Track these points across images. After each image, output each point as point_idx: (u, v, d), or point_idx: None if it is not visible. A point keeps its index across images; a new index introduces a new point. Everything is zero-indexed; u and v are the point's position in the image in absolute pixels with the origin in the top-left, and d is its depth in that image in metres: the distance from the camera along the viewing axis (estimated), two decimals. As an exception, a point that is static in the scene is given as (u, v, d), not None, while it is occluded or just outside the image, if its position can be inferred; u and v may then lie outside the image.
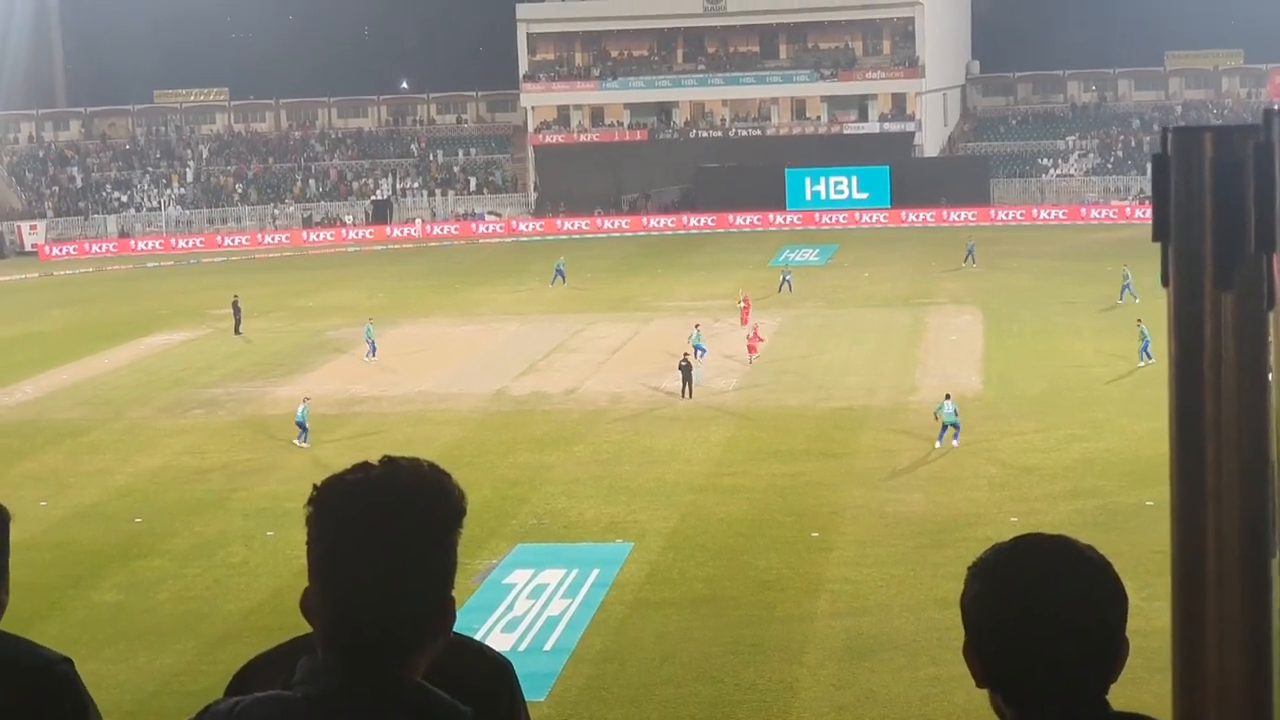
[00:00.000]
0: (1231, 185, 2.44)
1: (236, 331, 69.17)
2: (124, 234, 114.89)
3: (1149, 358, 54.87)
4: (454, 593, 3.07)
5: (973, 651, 3.00)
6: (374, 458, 3.07)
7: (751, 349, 59.64)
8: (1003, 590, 2.94)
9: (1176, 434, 2.58)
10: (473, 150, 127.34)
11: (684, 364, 54.08)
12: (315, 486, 3.01)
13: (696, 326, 61.72)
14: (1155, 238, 2.57)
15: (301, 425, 47.90)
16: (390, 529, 2.96)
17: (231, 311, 70.38)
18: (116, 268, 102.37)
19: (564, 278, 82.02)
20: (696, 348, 59.12)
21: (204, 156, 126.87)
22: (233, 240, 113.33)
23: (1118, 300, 68.62)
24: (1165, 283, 2.57)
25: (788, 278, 75.59)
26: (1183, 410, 2.56)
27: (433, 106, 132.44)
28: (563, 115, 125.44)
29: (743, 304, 65.18)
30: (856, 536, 37.20)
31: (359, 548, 2.96)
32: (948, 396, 46.67)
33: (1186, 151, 2.50)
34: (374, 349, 62.31)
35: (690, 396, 53.35)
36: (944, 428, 45.55)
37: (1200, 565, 2.60)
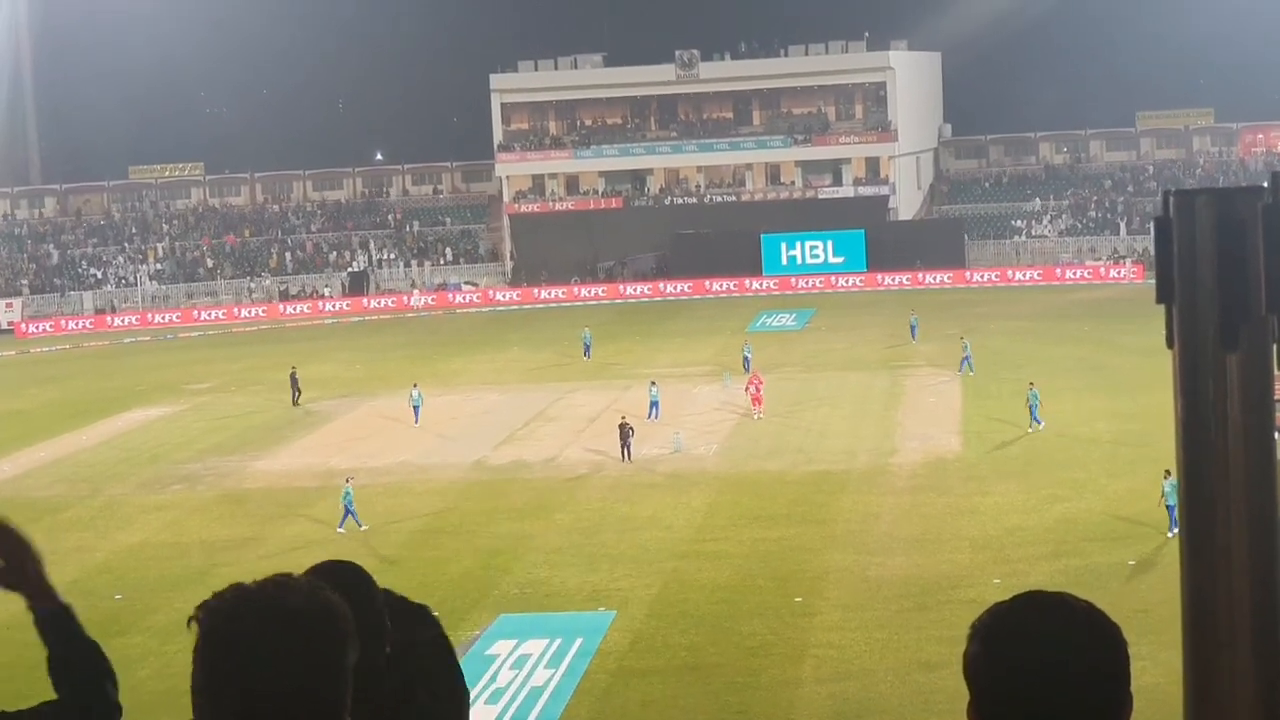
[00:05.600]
0: (1235, 246, 2.46)
1: (295, 403, 68.87)
2: (100, 310, 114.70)
3: (1037, 422, 55.12)
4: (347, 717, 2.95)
5: (976, 711, 2.99)
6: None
7: (755, 401, 61.06)
8: (1004, 649, 2.93)
9: (1184, 492, 2.59)
10: (448, 220, 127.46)
11: (623, 426, 54.19)
12: (198, 607, 2.92)
13: (653, 383, 62.72)
14: (1159, 300, 2.58)
15: (349, 509, 46.51)
16: (277, 653, 2.86)
17: (290, 383, 69.77)
18: (93, 344, 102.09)
19: (589, 350, 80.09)
20: (653, 403, 60.83)
21: (179, 231, 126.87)
22: (209, 314, 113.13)
23: (958, 371, 68.47)
24: (1170, 344, 2.58)
25: (747, 354, 72.78)
26: (1190, 469, 2.57)
27: (408, 177, 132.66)
28: (538, 184, 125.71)
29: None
30: (840, 600, 37.12)
31: (244, 671, 2.87)
32: (1168, 474, 40.04)
33: (1188, 214, 2.51)
34: (418, 415, 62.73)
35: (629, 460, 53.51)
36: (1171, 511, 39.65)
37: (1211, 621, 2.61)
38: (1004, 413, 58.98)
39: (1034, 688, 2.89)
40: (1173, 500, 39.80)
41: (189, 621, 2.92)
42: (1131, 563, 38.28)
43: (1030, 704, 2.89)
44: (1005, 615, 2.98)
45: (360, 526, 46.10)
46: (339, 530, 46.09)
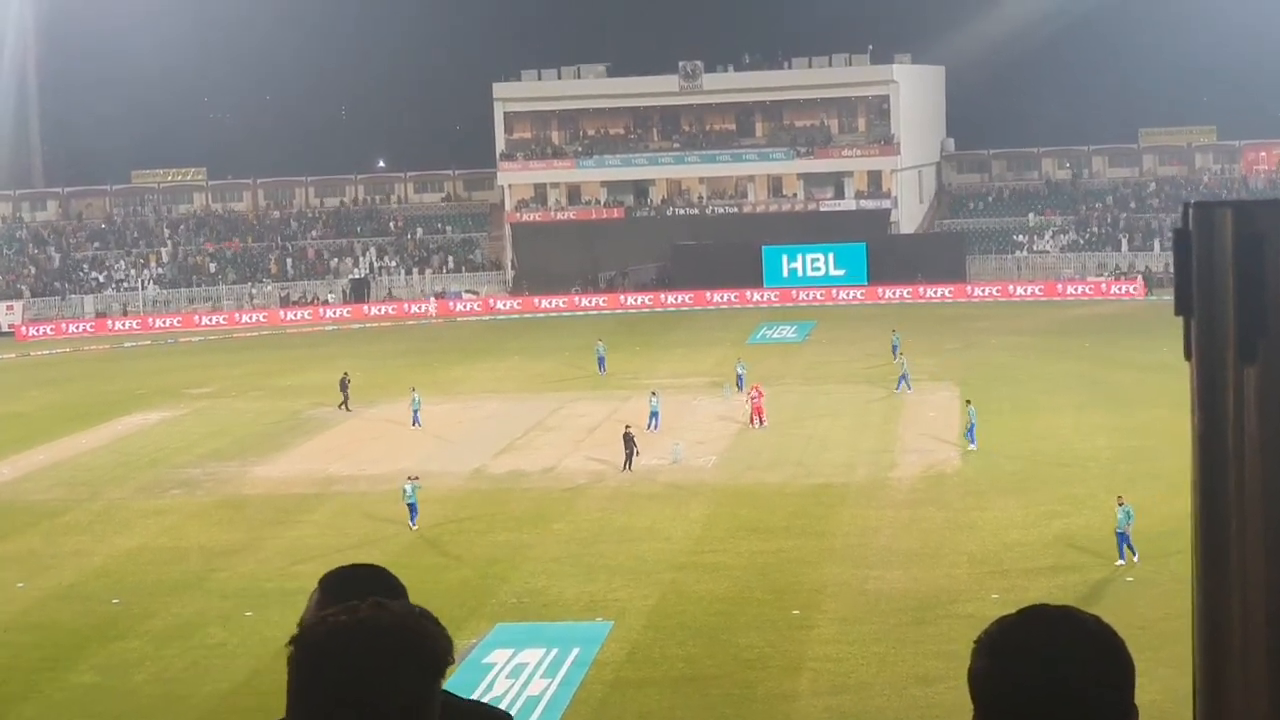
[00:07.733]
0: (1254, 259, 2.45)
1: (346, 408, 68.68)
2: (101, 314, 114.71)
3: (970, 443, 55.16)
4: None
5: (981, 727, 2.98)
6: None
7: (757, 410, 61.04)
8: (1009, 663, 2.91)
9: (1200, 507, 2.58)
10: (450, 228, 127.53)
11: (628, 436, 54.30)
12: (299, 626, 2.96)
13: (654, 394, 62.91)
14: (1178, 312, 2.57)
15: (412, 507, 46.93)
16: (374, 677, 2.88)
17: (340, 387, 69.60)
18: (94, 348, 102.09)
19: (603, 364, 78.33)
20: (653, 413, 61.00)
21: (181, 236, 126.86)
22: (210, 320, 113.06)
23: (896, 390, 68.22)
24: (1188, 356, 2.56)
25: (740, 371, 70.69)
26: (1206, 483, 2.55)
27: (410, 185, 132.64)
28: (539, 193, 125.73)
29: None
30: (837, 614, 37.09)
31: (339, 694, 2.88)
32: (1121, 500, 40.81)
33: (1208, 226, 2.50)
34: (417, 418, 63.66)
35: (630, 469, 53.54)
36: (1120, 539, 40.15)
37: (1224, 635, 2.59)
38: (1004, 427, 58.97)
39: (1039, 702, 2.86)
40: (1122, 527, 39.89)
41: (289, 642, 2.95)
42: (1130, 579, 38.25)
43: (1036, 718, 2.87)
44: (1011, 629, 2.96)
45: (412, 527, 46.49)
46: (412, 527, 46.68)
